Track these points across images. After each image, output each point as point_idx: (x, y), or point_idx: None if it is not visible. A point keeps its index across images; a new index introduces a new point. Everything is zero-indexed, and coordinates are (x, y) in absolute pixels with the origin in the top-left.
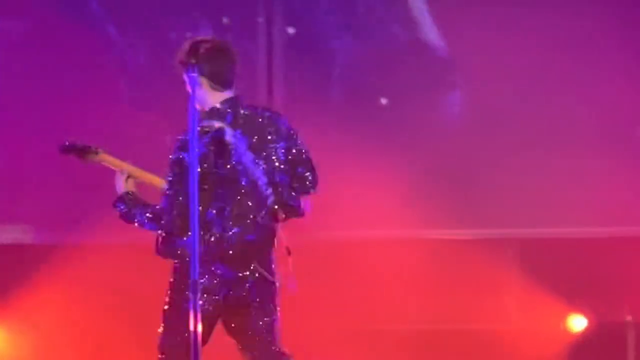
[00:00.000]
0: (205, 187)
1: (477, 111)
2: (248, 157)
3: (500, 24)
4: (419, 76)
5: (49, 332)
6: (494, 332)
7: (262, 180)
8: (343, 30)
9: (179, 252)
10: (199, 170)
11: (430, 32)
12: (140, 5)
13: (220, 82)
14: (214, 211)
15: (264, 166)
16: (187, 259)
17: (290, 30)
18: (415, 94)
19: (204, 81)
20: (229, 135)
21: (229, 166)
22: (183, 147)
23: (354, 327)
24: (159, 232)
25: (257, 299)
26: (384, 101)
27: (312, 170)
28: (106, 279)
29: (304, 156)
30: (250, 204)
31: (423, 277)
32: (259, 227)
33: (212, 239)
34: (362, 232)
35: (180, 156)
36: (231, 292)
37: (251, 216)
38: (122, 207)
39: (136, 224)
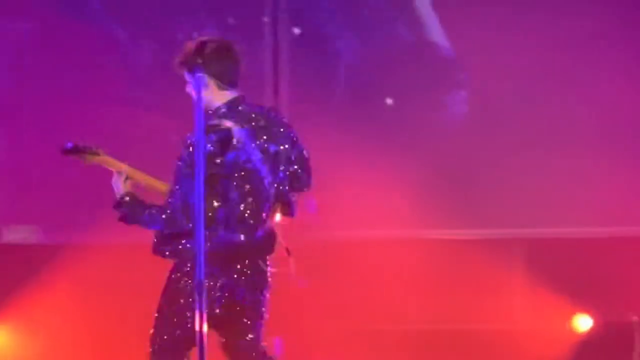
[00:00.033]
0: (215, 186)
1: (478, 111)
2: (256, 155)
3: (500, 24)
4: (421, 76)
5: (54, 332)
6: (498, 333)
7: (268, 179)
8: (348, 30)
9: (181, 250)
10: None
11: (435, 33)
12: (146, 5)
13: (227, 81)
14: (223, 211)
15: (270, 166)
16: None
17: (296, 31)
18: (418, 94)
19: (210, 81)
20: (239, 134)
21: (237, 165)
22: (219, 144)
23: (356, 328)
24: (164, 230)
25: (251, 298)
26: (389, 101)
27: (309, 170)
28: (112, 279)
29: (304, 156)
30: (256, 203)
31: (427, 278)
32: (265, 226)
33: (222, 239)
34: (365, 232)
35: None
36: (227, 294)
37: (258, 215)
38: (124, 209)
39: (141, 225)
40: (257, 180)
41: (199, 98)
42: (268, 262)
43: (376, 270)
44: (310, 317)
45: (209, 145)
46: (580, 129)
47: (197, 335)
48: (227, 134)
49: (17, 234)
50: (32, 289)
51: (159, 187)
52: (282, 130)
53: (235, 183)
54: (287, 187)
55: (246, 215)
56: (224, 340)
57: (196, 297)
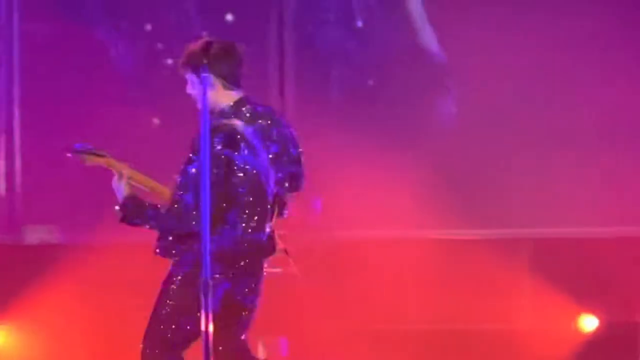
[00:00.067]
0: (223, 185)
1: (480, 111)
2: (263, 155)
3: (500, 24)
4: (423, 76)
5: (59, 332)
6: (503, 333)
7: (271, 179)
8: (352, 32)
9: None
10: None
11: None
12: (153, 5)
13: (232, 81)
14: (230, 211)
15: (273, 166)
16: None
17: (301, 32)
18: (420, 94)
19: (216, 81)
20: (247, 134)
21: (246, 165)
22: (228, 144)
23: (357, 328)
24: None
25: (250, 299)
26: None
27: (304, 171)
28: (117, 278)
29: (301, 158)
30: (261, 204)
31: (432, 278)
32: (268, 227)
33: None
34: (369, 233)
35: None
36: (229, 294)
37: (263, 216)
38: (127, 210)
39: (143, 224)
40: (263, 180)
41: (205, 98)
42: (266, 264)
43: (380, 270)
44: (311, 317)
45: (218, 146)
46: (581, 129)
47: (203, 335)
48: (236, 133)
49: (34, 234)
50: (36, 289)
51: (159, 190)
52: (284, 130)
53: (242, 183)
54: (284, 188)
55: (252, 215)
56: (217, 339)
57: (202, 297)
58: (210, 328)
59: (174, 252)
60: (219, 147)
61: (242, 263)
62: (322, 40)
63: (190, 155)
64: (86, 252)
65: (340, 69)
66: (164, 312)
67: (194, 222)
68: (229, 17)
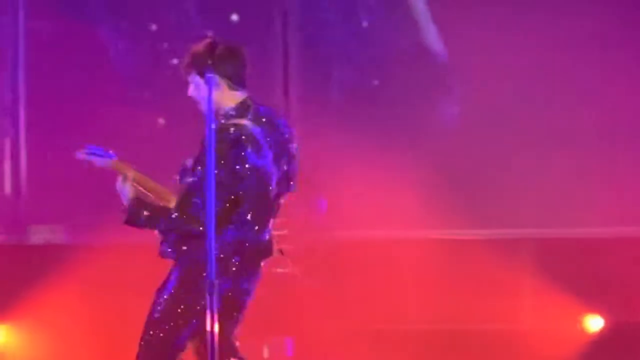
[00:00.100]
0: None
1: (483, 111)
2: (269, 156)
3: (500, 24)
4: (426, 77)
5: (63, 332)
6: (509, 333)
7: (274, 179)
8: (356, 32)
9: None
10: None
11: (436, 34)
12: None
13: (237, 82)
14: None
15: (276, 166)
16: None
17: (304, 32)
18: (423, 95)
19: (222, 81)
20: (255, 134)
21: (256, 165)
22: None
23: (361, 328)
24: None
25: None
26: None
27: (298, 173)
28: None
29: (297, 159)
30: (266, 204)
31: (436, 278)
32: (270, 226)
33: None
34: (373, 233)
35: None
36: (229, 294)
37: (267, 216)
38: (134, 212)
39: (149, 226)
40: (268, 181)
41: (210, 99)
42: (264, 264)
43: (383, 270)
44: (315, 317)
45: (228, 146)
46: (582, 129)
47: (209, 335)
48: (246, 133)
49: (40, 235)
50: (40, 288)
51: (160, 191)
52: (284, 130)
53: (250, 183)
54: (282, 188)
55: (257, 216)
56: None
57: (207, 297)
58: (216, 328)
59: (175, 253)
60: (228, 147)
61: (242, 263)
62: (325, 41)
63: (199, 155)
64: (90, 252)
65: (343, 69)
66: (159, 314)
67: (201, 223)
68: (234, 17)
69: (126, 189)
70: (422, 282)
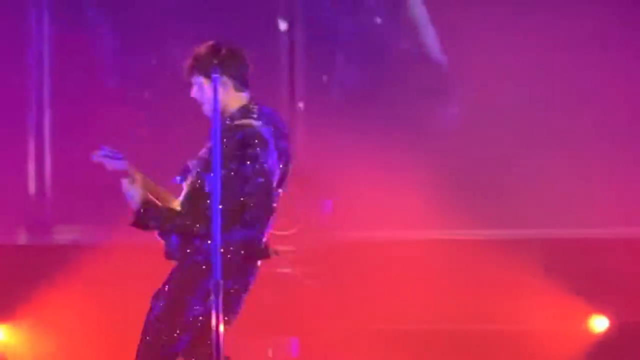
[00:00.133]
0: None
1: (492, 112)
2: (275, 155)
3: (500, 24)
4: (429, 77)
5: (69, 332)
6: (514, 333)
7: (276, 179)
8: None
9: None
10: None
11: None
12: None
13: (242, 82)
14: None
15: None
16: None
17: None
18: (427, 95)
19: (228, 82)
20: (265, 133)
21: (265, 165)
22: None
23: (368, 328)
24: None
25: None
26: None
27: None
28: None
29: (293, 157)
30: (269, 204)
31: (443, 278)
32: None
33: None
34: (380, 233)
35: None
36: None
37: (269, 216)
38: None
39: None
40: (272, 181)
41: (216, 99)
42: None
43: (389, 270)
44: (321, 317)
45: (237, 146)
46: (582, 129)
47: (214, 335)
48: (256, 133)
49: (64, 235)
50: (46, 288)
51: (164, 195)
52: (284, 131)
53: (257, 183)
54: (278, 188)
55: (261, 215)
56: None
57: (213, 297)
58: (221, 328)
59: (180, 254)
60: (237, 148)
61: (244, 263)
62: (331, 40)
63: (207, 156)
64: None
65: (348, 69)
66: (158, 317)
67: (208, 224)
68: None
69: (135, 192)
70: (424, 282)
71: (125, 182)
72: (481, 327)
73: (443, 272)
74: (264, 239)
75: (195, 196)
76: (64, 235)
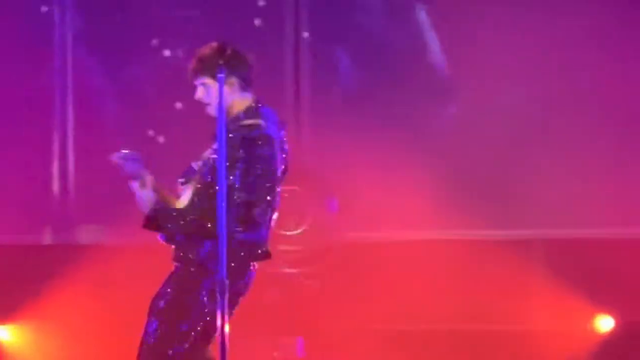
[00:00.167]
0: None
1: (503, 112)
2: (279, 155)
3: (498, 23)
4: (434, 78)
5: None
6: (519, 334)
7: (279, 179)
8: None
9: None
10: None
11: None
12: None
13: (248, 82)
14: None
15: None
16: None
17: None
18: (432, 95)
19: (234, 82)
20: (272, 132)
21: (272, 164)
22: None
23: (374, 328)
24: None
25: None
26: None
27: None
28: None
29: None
30: (273, 203)
31: (446, 278)
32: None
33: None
34: (386, 234)
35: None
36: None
37: (271, 215)
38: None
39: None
40: (276, 181)
41: (222, 99)
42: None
43: (396, 270)
44: (327, 317)
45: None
46: (582, 129)
47: (220, 334)
48: (260, 133)
49: (88, 235)
50: (52, 288)
51: (174, 202)
52: (284, 131)
53: (263, 183)
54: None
55: (265, 215)
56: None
57: (218, 297)
58: (227, 328)
59: (181, 254)
60: (244, 148)
61: (246, 263)
62: (338, 40)
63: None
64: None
65: (353, 70)
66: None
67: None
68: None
69: (148, 194)
70: (424, 282)
71: (135, 185)
72: (480, 327)
73: (443, 272)
74: (267, 238)
75: (204, 196)
76: (87, 235)
